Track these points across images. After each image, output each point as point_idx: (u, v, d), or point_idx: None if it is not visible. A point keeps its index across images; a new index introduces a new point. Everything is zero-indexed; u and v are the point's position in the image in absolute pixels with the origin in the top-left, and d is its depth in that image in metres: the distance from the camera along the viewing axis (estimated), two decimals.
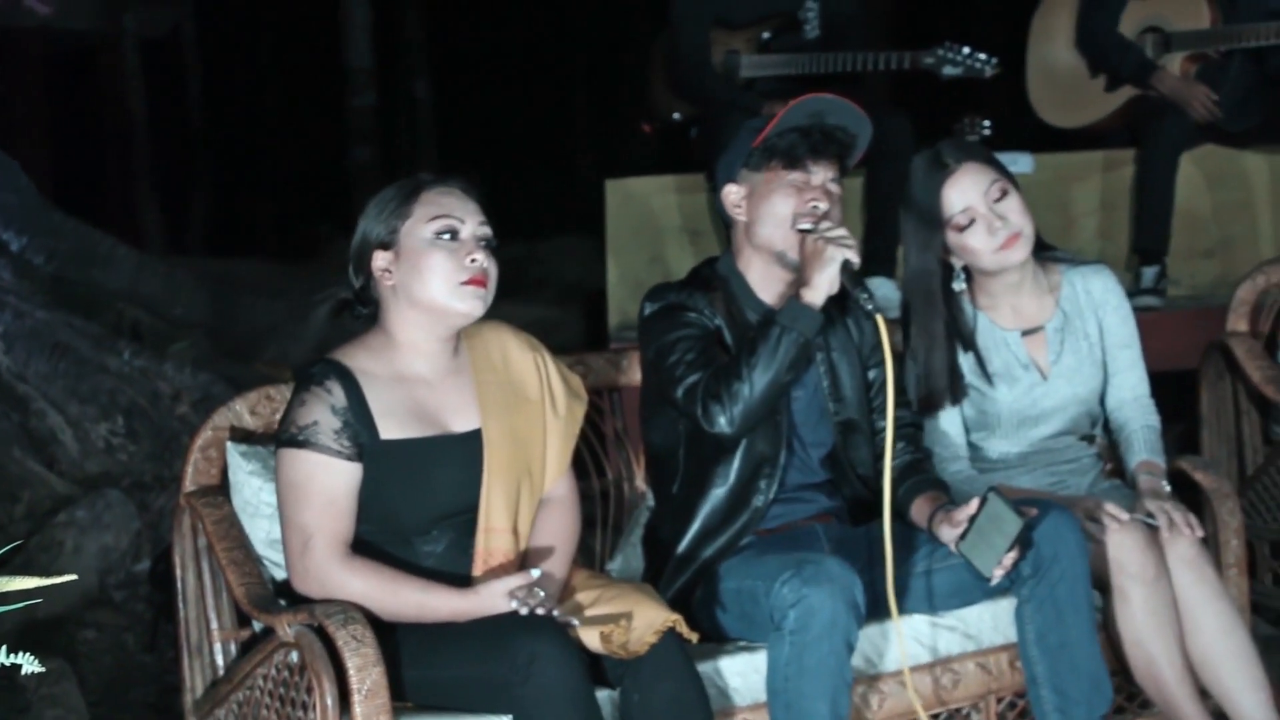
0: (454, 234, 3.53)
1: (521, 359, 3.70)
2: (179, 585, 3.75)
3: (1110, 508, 3.91)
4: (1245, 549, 4.25)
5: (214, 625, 3.72)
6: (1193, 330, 5.66)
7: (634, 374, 4.37)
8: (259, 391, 3.86)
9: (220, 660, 3.71)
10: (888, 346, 3.79)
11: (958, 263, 4.22)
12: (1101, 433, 4.36)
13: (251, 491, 3.72)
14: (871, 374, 4.03)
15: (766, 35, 6.49)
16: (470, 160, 14.61)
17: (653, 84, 6.84)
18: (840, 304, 3.96)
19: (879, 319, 3.77)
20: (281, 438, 3.48)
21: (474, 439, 3.56)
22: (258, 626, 3.64)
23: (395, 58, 15.22)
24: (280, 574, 3.65)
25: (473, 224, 3.56)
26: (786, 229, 3.84)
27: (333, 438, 3.44)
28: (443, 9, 16.04)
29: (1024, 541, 3.66)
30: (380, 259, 3.55)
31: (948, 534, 3.72)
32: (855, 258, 3.75)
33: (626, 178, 6.87)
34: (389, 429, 3.48)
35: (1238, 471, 5.11)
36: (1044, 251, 4.30)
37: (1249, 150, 6.74)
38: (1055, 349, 4.26)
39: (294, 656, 3.34)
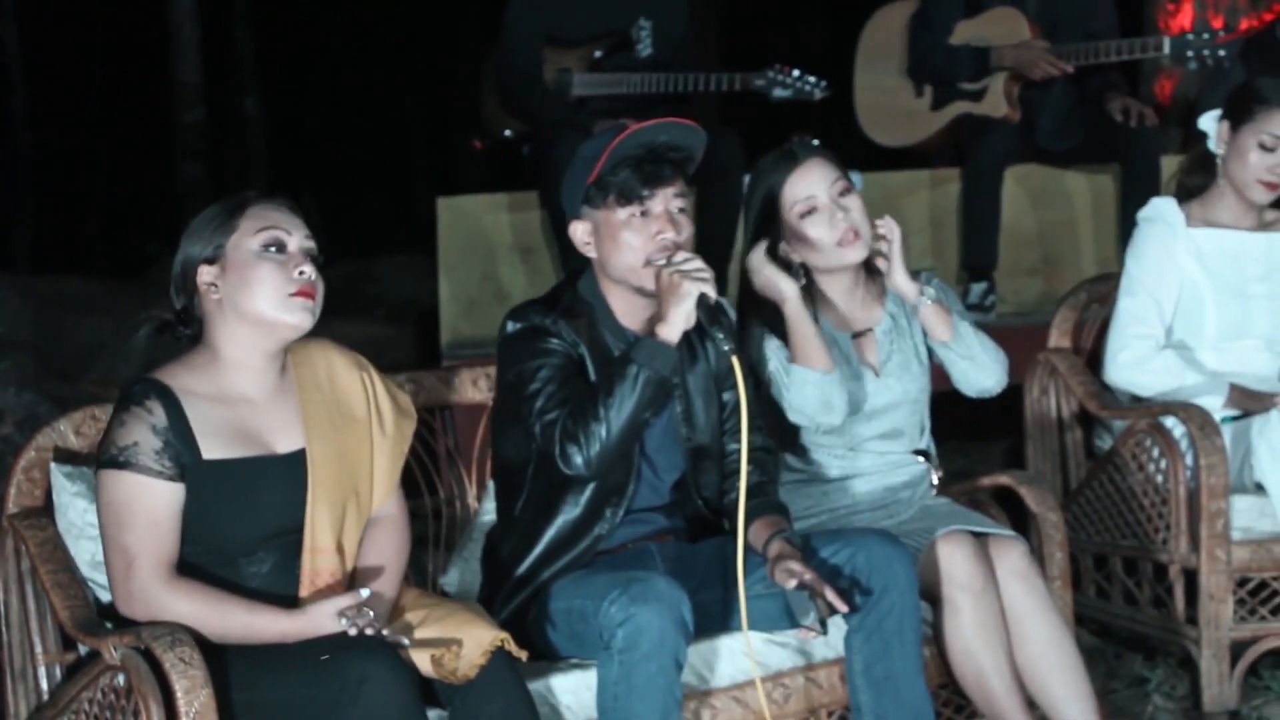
0: (281, 246, 3.50)
1: (348, 377, 3.67)
2: (1, 609, 3.69)
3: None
4: (1069, 562, 4.31)
5: (38, 649, 3.66)
6: (1018, 347, 5.72)
7: (466, 391, 4.37)
8: (84, 411, 3.81)
9: (45, 684, 3.66)
10: (742, 385, 3.76)
11: (796, 259, 4.26)
12: (932, 443, 4.41)
13: (77, 513, 3.67)
14: (726, 395, 4.02)
15: (599, 54, 6.51)
16: (302, 177, 14.54)
17: (484, 101, 6.82)
18: (695, 327, 3.97)
19: (734, 360, 3.76)
20: (102, 459, 3.43)
21: (298, 459, 3.53)
22: (83, 650, 3.58)
23: (225, 73, 15.09)
24: (106, 596, 3.61)
25: (299, 237, 3.53)
26: (639, 266, 3.81)
27: (154, 458, 3.39)
28: (273, 25, 15.93)
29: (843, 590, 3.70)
30: (206, 274, 3.51)
31: (780, 577, 3.71)
32: (711, 291, 3.73)
33: (458, 195, 6.86)
34: (211, 449, 3.44)
35: (1062, 486, 5.19)
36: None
37: (1071, 169, 6.86)
38: (885, 349, 4.31)
39: (120, 680, 3.30)
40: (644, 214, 3.81)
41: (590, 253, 3.91)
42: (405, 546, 3.69)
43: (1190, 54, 6.20)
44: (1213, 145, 4.96)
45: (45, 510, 3.71)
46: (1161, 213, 4.95)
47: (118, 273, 11.53)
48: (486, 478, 4.37)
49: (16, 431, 6.22)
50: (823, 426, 4.19)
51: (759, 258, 4.23)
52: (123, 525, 3.38)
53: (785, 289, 4.17)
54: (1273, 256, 4.94)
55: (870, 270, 4.33)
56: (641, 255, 3.80)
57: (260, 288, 3.47)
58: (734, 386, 3.92)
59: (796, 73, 6.47)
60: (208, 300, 3.52)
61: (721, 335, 3.72)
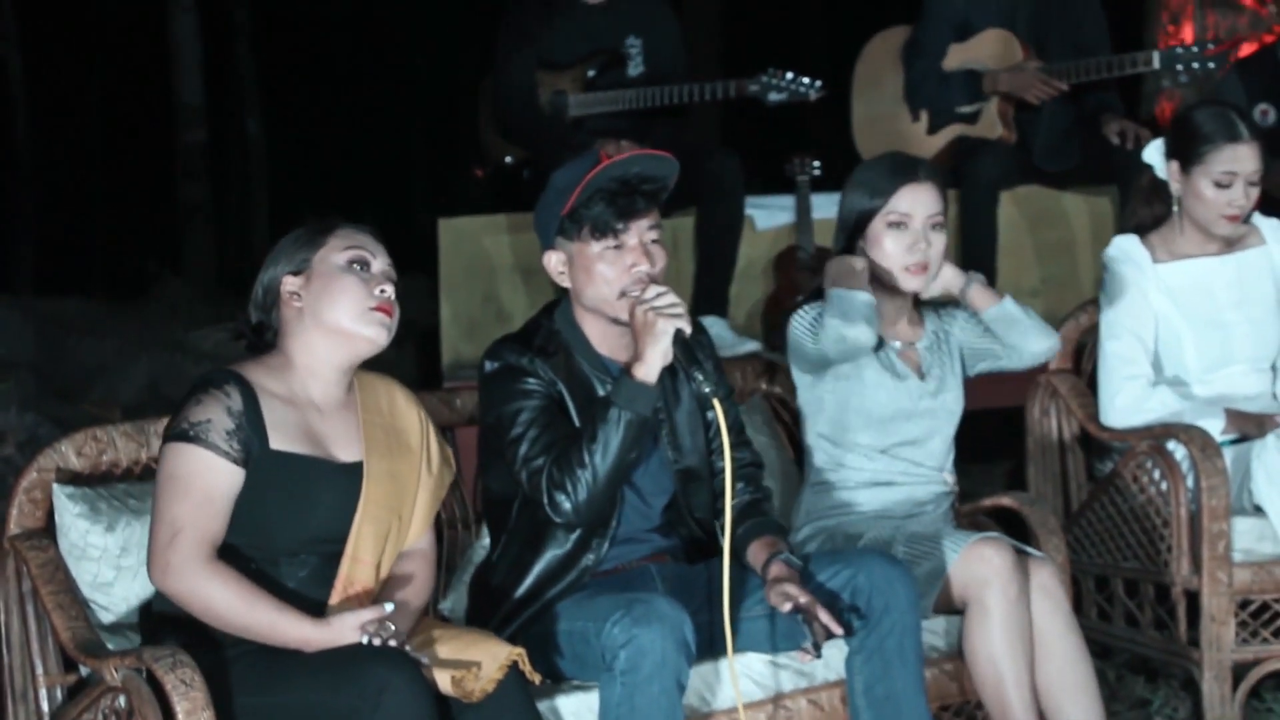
0: (365, 265, 3.58)
1: (408, 411, 3.74)
2: (3, 630, 3.69)
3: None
4: (1071, 584, 4.31)
5: (39, 670, 3.66)
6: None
7: (467, 413, 4.37)
8: (85, 432, 3.81)
9: (46, 706, 3.65)
10: (724, 420, 3.75)
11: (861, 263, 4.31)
12: (953, 469, 4.42)
13: (78, 534, 3.67)
14: (711, 414, 4.02)
15: (591, 73, 6.52)
16: (302, 198, 14.54)
17: (483, 129, 6.83)
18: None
19: (715, 403, 3.75)
20: (172, 432, 3.45)
21: (355, 470, 3.57)
22: (84, 671, 3.59)
23: (227, 94, 15.12)
24: (108, 617, 3.61)
25: (383, 261, 3.62)
26: (613, 298, 3.81)
27: (224, 438, 3.43)
28: (274, 46, 15.96)
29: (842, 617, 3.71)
30: (290, 283, 3.58)
31: (775, 600, 3.72)
32: (687, 326, 3.72)
33: (459, 216, 6.85)
34: (279, 441, 3.48)
35: (1063, 508, 5.19)
36: None
37: (1068, 191, 6.86)
38: (928, 362, 4.36)
39: (121, 701, 3.30)
40: (618, 247, 3.80)
41: (564, 282, 3.91)
42: (431, 581, 3.73)
43: (1180, 67, 6.20)
44: (1160, 173, 4.95)
45: (47, 531, 3.72)
46: (1127, 252, 4.93)
47: (119, 293, 11.54)
48: None
49: (18, 452, 6.22)
50: (851, 348, 4.19)
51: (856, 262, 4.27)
52: (176, 497, 3.40)
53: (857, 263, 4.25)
54: (1244, 277, 4.92)
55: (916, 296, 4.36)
56: (616, 287, 3.81)
57: (343, 298, 3.53)
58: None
59: (790, 75, 6.46)
60: (288, 308, 3.58)
61: (701, 377, 3.72)
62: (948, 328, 4.44)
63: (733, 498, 3.91)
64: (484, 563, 4.04)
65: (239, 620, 3.36)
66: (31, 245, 13.86)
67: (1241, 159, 4.78)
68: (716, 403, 3.75)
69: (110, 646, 3.46)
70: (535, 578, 3.84)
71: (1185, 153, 4.84)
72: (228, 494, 3.43)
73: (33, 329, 7.87)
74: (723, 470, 3.93)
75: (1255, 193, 4.82)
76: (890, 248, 4.26)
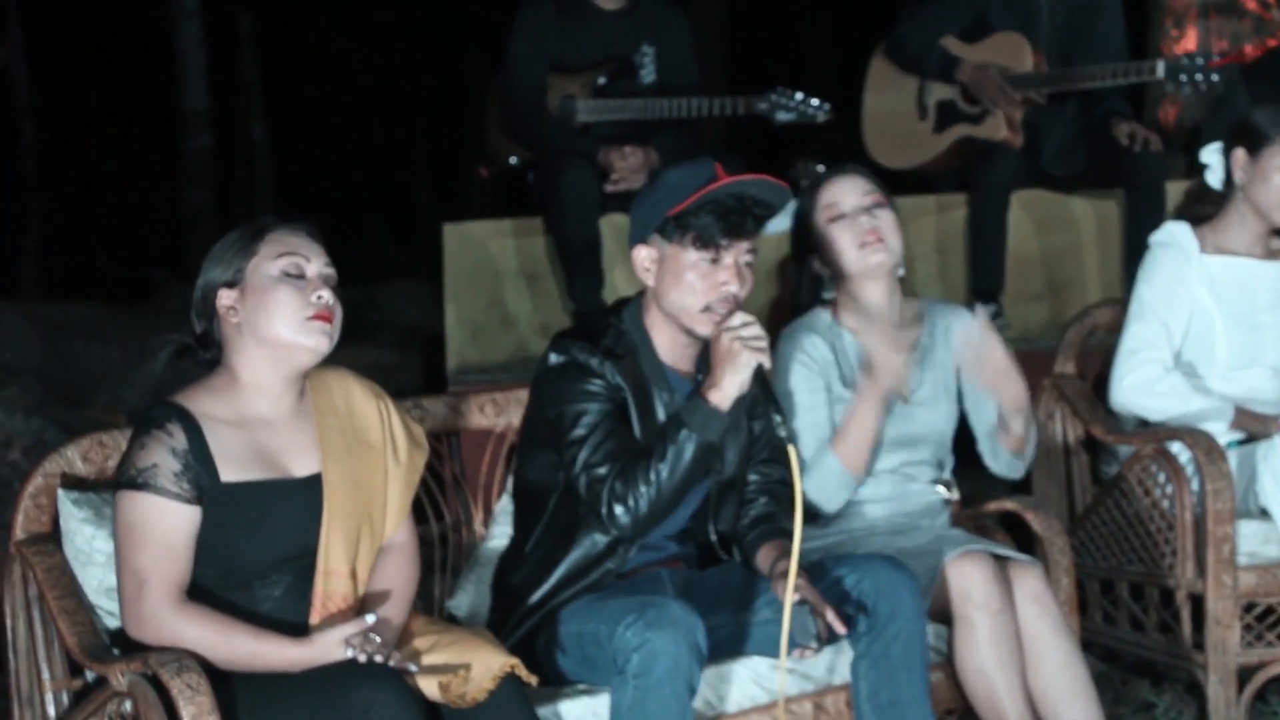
0: (300, 271, 3.52)
1: (365, 405, 3.68)
2: (9, 635, 3.68)
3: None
4: (1075, 587, 4.31)
5: (45, 675, 3.66)
6: (1024, 372, 5.74)
7: (472, 417, 4.37)
8: (91, 438, 3.81)
9: (52, 711, 3.65)
10: (798, 477, 3.69)
11: (825, 273, 4.28)
12: (951, 476, 4.42)
13: (84, 539, 3.67)
14: (754, 425, 4.01)
15: (602, 80, 6.52)
16: (308, 203, 14.56)
17: (489, 129, 6.83)
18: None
19: (790, 449, 3.68)
20: (120, 479, 3.43)
21: (314, 483, 3.53)
22: (90, 676, 3.58)
23: (232, 100, 15.13)
24: (114, 622, 3.61)
25: (319, 263, 3.55)
26: (696, 309, 3.79)
27: (172, 480, 3.40)
28: (280, 52, 15.97)
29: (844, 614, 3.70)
30: (225, 297, 3.53)
31: (780, 591, 3.71)
32: (768, 362, 3.71)
33: (464, 221, 6.86)
34: (229, 472, 3.45)
35: (1068, 511, 5.19)
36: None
37: (1076, 195, 6.87)
38: (917, 378, 4.33)
39: (127, 706, 3.30)
40: (714, 261, 3.78)
41: (649, 280, 3.88)
42: (414, 574, 3.69)
43: (1184, 78, 6.21)
44: (1212, 180, 4.98)
45: (53, 536, 3.71)
46: (1175, 237, 4.95)
47: (124, 298, 11.55)
48: (493, 503, 4.38)
49: (24, 457, 6.23)
50: (818, 508, 4.22)
51: (896, 360, 4.19)
52: (137, 546, 3.38)
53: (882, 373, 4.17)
54: None
55: (905, 295, 4.35)
56: (702, 300, 3.79)
57: (278, 311, 3.48)
58: (762, 415, 3.95)
59: (799, 95, 6.47)
60: (227, 324, 3.54)
61: (779, 419, 3.69)
62: (951, 332, 4.41)
63: (756, 512, 3.96)
64: (506, 556, 4.03)
65: (219, 655, 3.34)
66: (37, 251, 13.87)
67: None
68: (791, 449, 3.68)
69: (115, 652, 3.46)
70: (559, 576, 3.84)
71: (1254, 138, 4.90)
72: (186, 535, 3.41)
73: (38, 334, 7.88)
74: (753, 481, 3.99)
75: None
76: (838, 238, 4.25)
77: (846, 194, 4.26)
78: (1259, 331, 4.90)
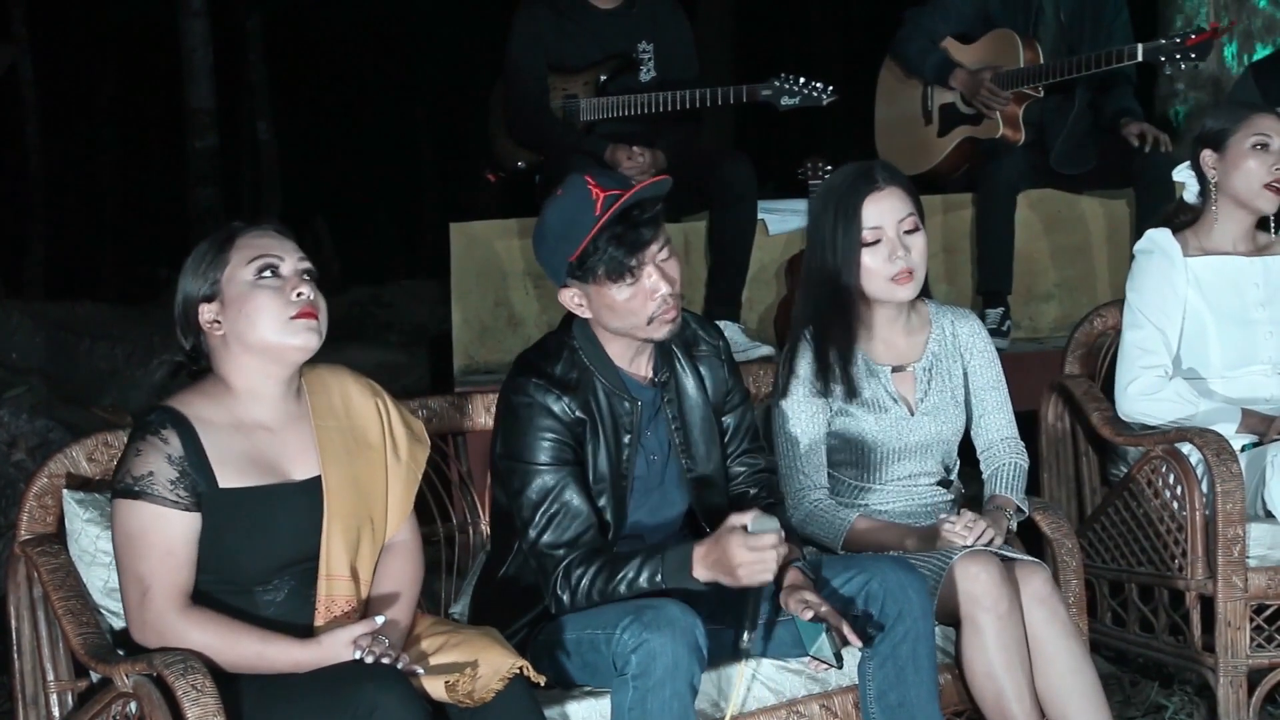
0: (275, 271, 3.49)
1: (363, 404, 3.66)
2: (13, 636, 3.68)
3: (947, 528, 4.01)
4: (1084, 588, 4.30)
5: (50, 676, 3.66)
6: (1033, 372, 5.73)
7: (479, 417, 4.36)
8: (96, 438, 3.80)
9: (57, 712, 3.65)
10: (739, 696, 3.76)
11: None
12: (958, 479, 4.40)
13: (89, 540, 3.66)
14: (726, 420, 4.02)
15: (603, 78, 6.51)
16: (314, 203, 14.56)
17: (494, 134, 6.82)
18: (688, 352, 3.96)
19: (740, 665, 3.75)
20: (117, 488, 3.42)
21: (314, 486, 3.52)
22: (95, 677, 3.57)
23: (238, 99, 15.13)
24: (119, 623, 3.59)
25: (292, 260, 3.52)
26: (642, 323, 3.76)
27: (169, 488, 3.38)
28: (286, 51, 15.97)
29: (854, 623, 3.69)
30: (207, 312, 3.50)
31: (795, 607, 3.69)
32: (769, 579, 3.61)
33: (471, 221, 6.85)
34: (227, 477, 3.43)
35: (1077, 512, 5.17)
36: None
37: (1086, 194, 6.86)
38: (923, 387, 4.31)
39: (133, 707, 3.29)
40: (635, 282, 3.74)
41: (585, 314, 3.85)
42: (419, 573, 3.68)
43: (1163, 58, 6.20)
44: (1189, 196, 5.01)
45: (57, 537, 3.71)
46: (1158, 243, 4.95)
47: (130, 298, 11.56)
48: None
49: (29, 457, 6.22)
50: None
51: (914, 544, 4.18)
52: (137, 554, 3.37)
53: (909, 545, 4.16)
54: (1271, 280, 4.95)
55: (914, 300, 4.33)
56: (643, 316, 3.77)
57: (261, 316, 3.46)
58: (736, 407, 4.01)
59: (802, 79, 6.45)
60: (213, 337, 3.51)
61: (747, 637, 3.66)
62: (958, 339, 4.40)
63: (747, 505, 3.91)
64: (486, 573, 4.01)
65: (227, 659, 3.34)
66: (43, 250, 13.87)
67: (1269, 127, 4.90)
68: (747, 635, 3.66)
69: (120, 653, 3.45)
70: (539, 609, 3.83)
71: (1216, 137, 4.93)
72: (187, 542, 3.40)
73: (44, 334, 7.87)
74: (737, 475, 4.00)
75: None
76: (871, 262, 4.21)
77: (885, 216, 4.20)
78: (1252, 328, 4.89)
